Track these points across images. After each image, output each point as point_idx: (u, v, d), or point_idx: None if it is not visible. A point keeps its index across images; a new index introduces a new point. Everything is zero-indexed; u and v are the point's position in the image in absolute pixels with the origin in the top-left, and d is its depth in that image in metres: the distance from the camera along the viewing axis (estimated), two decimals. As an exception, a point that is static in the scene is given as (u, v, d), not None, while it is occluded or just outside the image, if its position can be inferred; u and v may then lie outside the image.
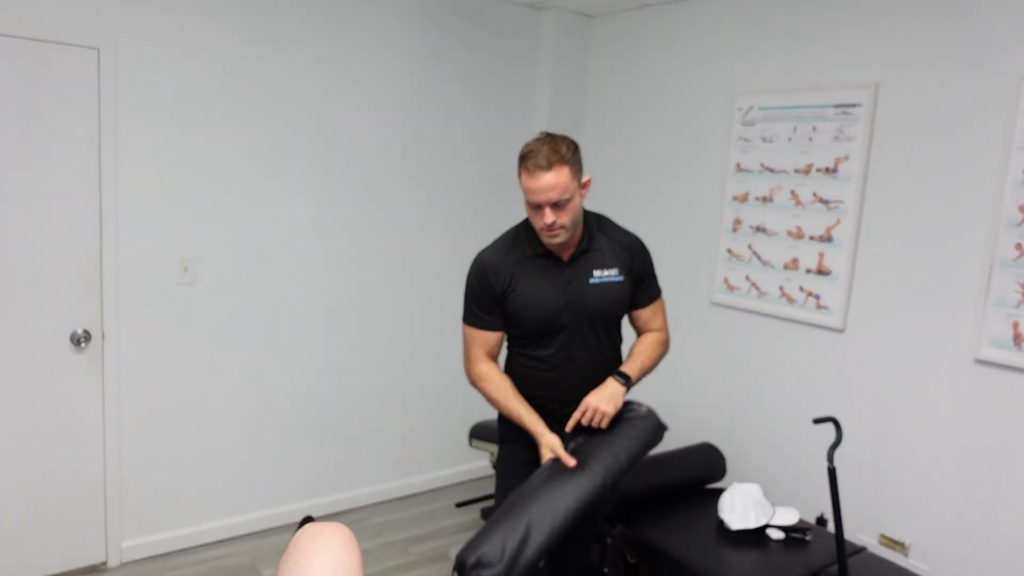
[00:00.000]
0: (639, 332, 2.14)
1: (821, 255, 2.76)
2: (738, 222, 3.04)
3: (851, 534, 2.67)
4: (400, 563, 2.97)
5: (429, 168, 3.40)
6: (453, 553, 3.04)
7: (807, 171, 2.79)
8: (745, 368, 3.03)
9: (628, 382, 1.99)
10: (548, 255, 1.98)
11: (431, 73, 3.33)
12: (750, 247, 3.00)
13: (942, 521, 2.45)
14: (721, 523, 2.37)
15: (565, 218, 1.86)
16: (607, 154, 3.64)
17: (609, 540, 2.46)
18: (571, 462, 1.86)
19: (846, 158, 2.67)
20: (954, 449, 2.41)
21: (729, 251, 3.08)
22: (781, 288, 2.89)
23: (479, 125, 3.53)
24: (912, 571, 2.20)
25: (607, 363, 2.04)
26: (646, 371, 2.05)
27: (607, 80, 3.62)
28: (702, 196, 3.20)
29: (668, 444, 2.87)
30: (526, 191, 1.84)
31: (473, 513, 3.43)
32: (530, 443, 2.00)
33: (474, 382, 2.03)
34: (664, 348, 2.11)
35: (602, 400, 1.93)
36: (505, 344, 2.10)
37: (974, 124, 2.34)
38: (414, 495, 3.60)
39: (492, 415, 3.82)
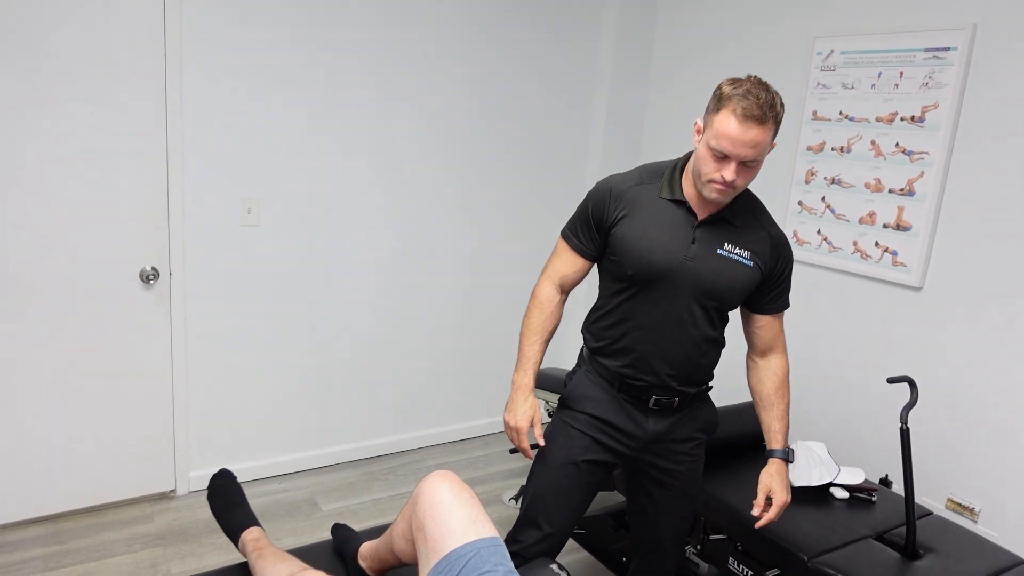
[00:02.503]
0: (754, 347, 1.83)
1: (901, 209, 2.63)
2: (811, 174, 2.91)
3: (918, 497, 2.60)
4: (454, 505, 3.03)
5: (485, 114, 3.34)
6: (506, 497, 3.09)
7: (890, 120, 2.64)
8: (812, 325, 2.94)
9: (791, 457, 1.81)
10: (683, 205, 1.67)
11: (490, 11, 3.23)
12: (823, 200, 2.87)
13: (1014, 488, 2.36)
14: (783, 480, 2.32)
15: (743, 180, 1.57)
16: (673, 103, 3.51)
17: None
18: (530, 454, 1.77)
19: (935, 106, 2.51)
20: (1034, 415, 2.31)
21: (800, 204, 2.96)
22: (855, 243, 2.77)
23: (539, 63, 3.43)
24: (981, 536, 2.14)
25: (701, 352, 1.75)
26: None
27: (676, 25, 3.47)
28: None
29: (729, 400, 2.82)
30: (719, 136, 1.50)
31: (526, 460, 3.46)
32: (598, 437, 1.80)
33: (531, 295, 1.83)
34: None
35: (787, 492, 1.75)
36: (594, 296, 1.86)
37: (1083, 69, 2.16)
38: (468, 439, 3.65)
39: (549, 364, 3.83)
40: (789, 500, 1.76)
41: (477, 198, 3.40)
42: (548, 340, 1.82)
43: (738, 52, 3.19)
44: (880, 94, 2.66)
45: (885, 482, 2.49)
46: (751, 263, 1.68)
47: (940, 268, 2.53)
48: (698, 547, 2.40)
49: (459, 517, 1.34)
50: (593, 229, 1.75)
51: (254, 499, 2.95)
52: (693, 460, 1.86)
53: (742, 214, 1.69)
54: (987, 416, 2.43)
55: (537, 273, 1.97)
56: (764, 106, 1.48)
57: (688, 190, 1.67)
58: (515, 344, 3.63)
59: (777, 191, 3.05)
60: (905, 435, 2.03)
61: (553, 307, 1.80)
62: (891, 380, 2.10)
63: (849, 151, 2.77)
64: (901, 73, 2.60)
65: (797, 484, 2.27)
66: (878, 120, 2.67)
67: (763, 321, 1.79)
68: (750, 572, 2.20)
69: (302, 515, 2.86)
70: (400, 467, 3.32)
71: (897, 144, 2.62)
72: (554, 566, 1.66)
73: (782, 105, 1.54)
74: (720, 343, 1.80)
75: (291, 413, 3.14)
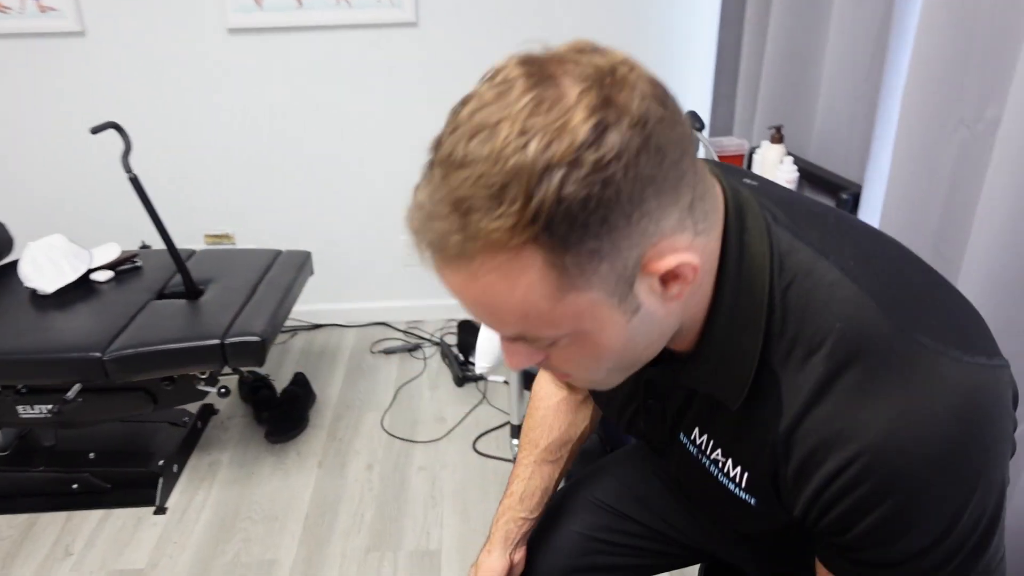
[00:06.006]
0: None
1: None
2: None
3: (179, 244, 2.58)
4: None
5: None
6: None
7: None
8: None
9: None
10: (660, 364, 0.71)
11: None
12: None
13: (256, 205, 2.55)
14: (35, 293, 1.94)
15: (572, 363, 0.63)
16: None
17: None
18: None
19: None
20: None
21: None
22: None
23: None
24: (243, 250, 2.28)
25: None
26: None
27: None
28: None
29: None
30: None
31: None
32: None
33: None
34: None
35: None
36: None
37: None
38: None
39: None
40: None
41: None
42: (556, 462, 1.03)
43: None
44: None
45: (145, 246, 2.35)
46: (745, 495, 0.72)
47: (96, 8, 2.25)
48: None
49: None
50: None
51: None
52: None
53: (725, 373, 0.65)
54: (213, 146, 2.46)
55: None
56: (431, 218, 0.53)
57: None
58: None
59: None
60: (136, 183, 1.87)
61: (551, 408, 1.04)
62: (94, 130, 1.85)
63: None
64: None
65: (53, 289, 1.92)
66: None
67: None
68: (50, 407, 1.86)
69: None
70: None
71: None
72: None
73: (558, 163, 0.49)
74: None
75: None
